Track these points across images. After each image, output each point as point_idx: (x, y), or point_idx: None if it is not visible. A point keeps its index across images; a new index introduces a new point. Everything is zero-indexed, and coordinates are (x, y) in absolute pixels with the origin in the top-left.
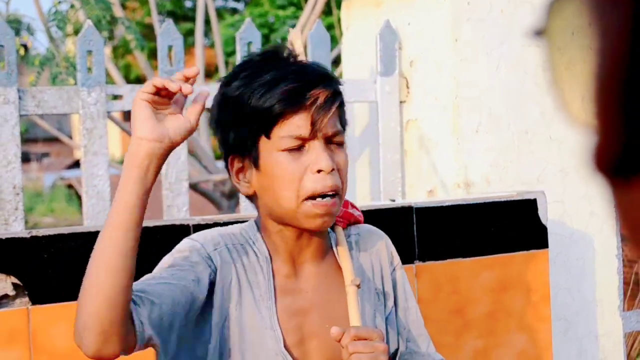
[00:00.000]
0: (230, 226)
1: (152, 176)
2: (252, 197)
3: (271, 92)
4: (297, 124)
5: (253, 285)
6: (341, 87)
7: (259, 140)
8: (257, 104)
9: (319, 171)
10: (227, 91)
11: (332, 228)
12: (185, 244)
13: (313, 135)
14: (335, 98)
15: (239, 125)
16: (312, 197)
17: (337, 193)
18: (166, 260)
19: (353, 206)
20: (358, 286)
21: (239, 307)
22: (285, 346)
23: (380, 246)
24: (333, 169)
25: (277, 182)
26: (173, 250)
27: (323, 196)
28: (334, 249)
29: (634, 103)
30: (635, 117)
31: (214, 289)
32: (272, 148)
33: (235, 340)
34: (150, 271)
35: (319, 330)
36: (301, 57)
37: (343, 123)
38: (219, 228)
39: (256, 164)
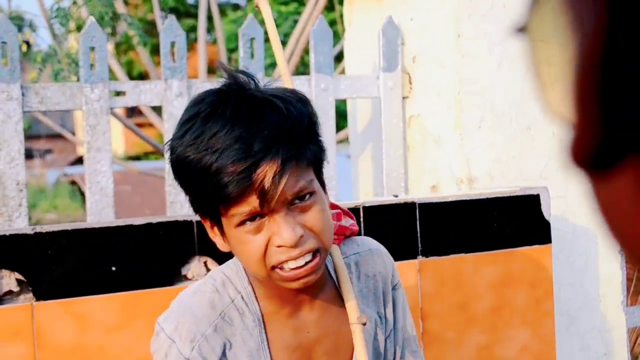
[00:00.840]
0: (212, 281)
1: None
2: None
3: (218, 165)
4: (247, 201)
5: (247, 355)
6: (302, 135)
7: (218, 212)
8: (205, 180)
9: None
10: (179, 154)
11: None
12: (161, 350)
13: (268, 209)
14: (286, 165)
15: (194, 194)
16: (280, 267)
17: (315, 252)
18: None
19: (346, 213)
20: (364, 324)
21: None
22: None
23: (382, 267)
24: (302, 236)
25: (242, 256)
26: None
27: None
28: (332, 273)
29: (612, 96)
30: (612, 110)
31: None
32: (229, 223)
33: None
34: (154, 267)
35: None
36: (259, 86)
37: (317, 163)
38: (195, 296)
39: (222, 233)
